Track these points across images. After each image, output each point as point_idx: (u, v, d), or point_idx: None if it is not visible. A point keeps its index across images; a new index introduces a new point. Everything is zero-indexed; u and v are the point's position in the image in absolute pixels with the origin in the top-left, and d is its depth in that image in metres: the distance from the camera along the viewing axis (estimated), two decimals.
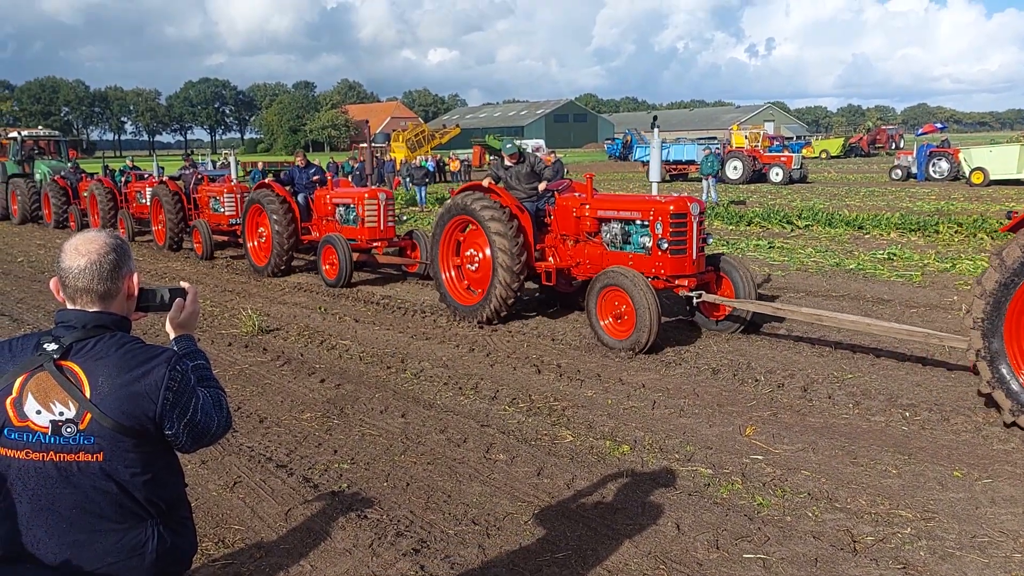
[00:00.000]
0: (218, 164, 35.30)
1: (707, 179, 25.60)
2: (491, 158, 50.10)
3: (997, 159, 28.92)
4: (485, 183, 9.91)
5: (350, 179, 27.67)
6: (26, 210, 24.99)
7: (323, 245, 12.85)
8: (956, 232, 16.05)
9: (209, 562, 4.29)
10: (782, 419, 6.23)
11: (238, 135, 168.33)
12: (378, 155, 35.08)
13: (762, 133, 52.06)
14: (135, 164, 25.92)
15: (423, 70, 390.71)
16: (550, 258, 9.84)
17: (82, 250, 2.18)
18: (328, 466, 5.53)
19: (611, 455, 5.59)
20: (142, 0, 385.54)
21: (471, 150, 54.19)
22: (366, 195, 13.01)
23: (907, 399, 6.55)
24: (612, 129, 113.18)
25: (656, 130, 11.02)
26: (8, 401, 2.10)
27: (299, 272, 14.35)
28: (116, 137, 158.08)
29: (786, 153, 38.91)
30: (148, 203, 18.85)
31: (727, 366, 7.64)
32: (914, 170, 33.73)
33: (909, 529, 4.42)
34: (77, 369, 2.10)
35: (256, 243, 14.35)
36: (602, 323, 8.44)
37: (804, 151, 50.33)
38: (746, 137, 49.25)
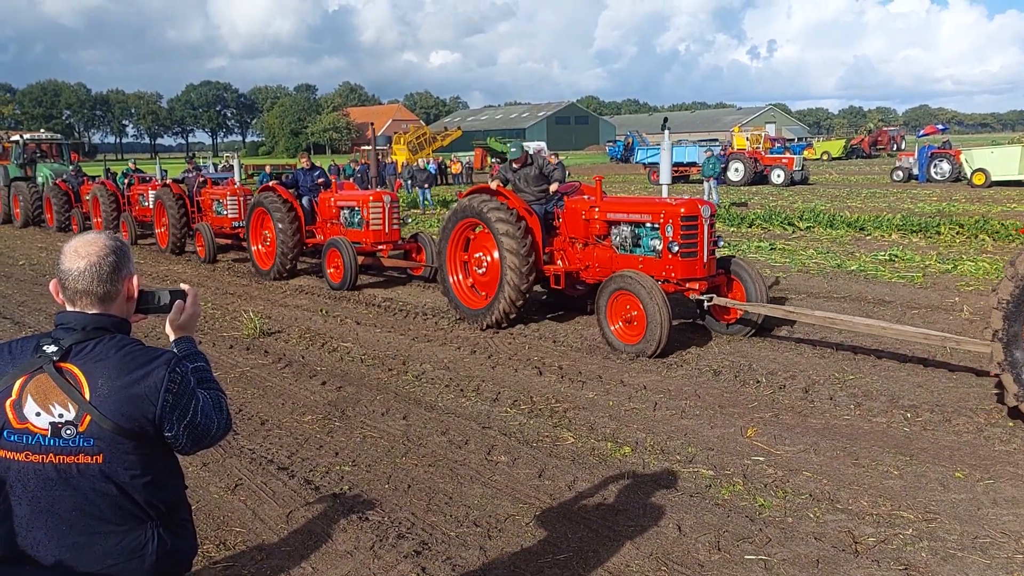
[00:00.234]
0: (219, 167, 35.37)
1: (708, 181, 25.59)
2: (492, 160, 50.17)
3: (998, 160, 28.90)
4: (493, 185, 9.85)
5: (352, 182, 27.66)
6: (28, 213, 25.00)
7: (328, 248, 12.81)
8: (958, 233, 16.05)
9: (210, 564, 4.29)
10: (783, 420, 6.22)
11: (239, 138, 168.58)
12: (379, 158, 35.08)
13: (763, 135, 52.07)
14: (137, 167, 25.94)
15: (424, 72, 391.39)
16: (558, 261, 9.77)
17: (82, 252, 2.18)
18: (329, 468, 5.53)
19: (612, 457, 5.59)
20: (143, 3, 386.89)
21: (473, 152, 54.23)
22: (371, 198, 12.97)
23: (908, 400, 6.55)
24: (614, 131, 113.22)
25: (667, 132, 10.97)
26: (8, 403, 2.10)
27: (301, 275, 14.34)
28: (117, 140, 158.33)
29: (787, 155, 38.92)
30: (151, 206, 18.86)
31: (728, 367, 7.63)
32: (915, 171, 33.72)
33: (911, 530, 4.41)
34: (77, 371, 2.10)
35: (260, 246, 14.32)
36: (612, 327, 8.37)
37: (805, 153, 50.37)
38: (747, 139, 49.26)
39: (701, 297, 8.46)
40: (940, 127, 45.84)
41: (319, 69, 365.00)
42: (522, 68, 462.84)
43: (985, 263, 12.77)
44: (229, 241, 16.47)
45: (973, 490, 4.89)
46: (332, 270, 12.73)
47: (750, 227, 18.96)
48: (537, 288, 10.00)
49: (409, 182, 34.29)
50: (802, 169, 34.86)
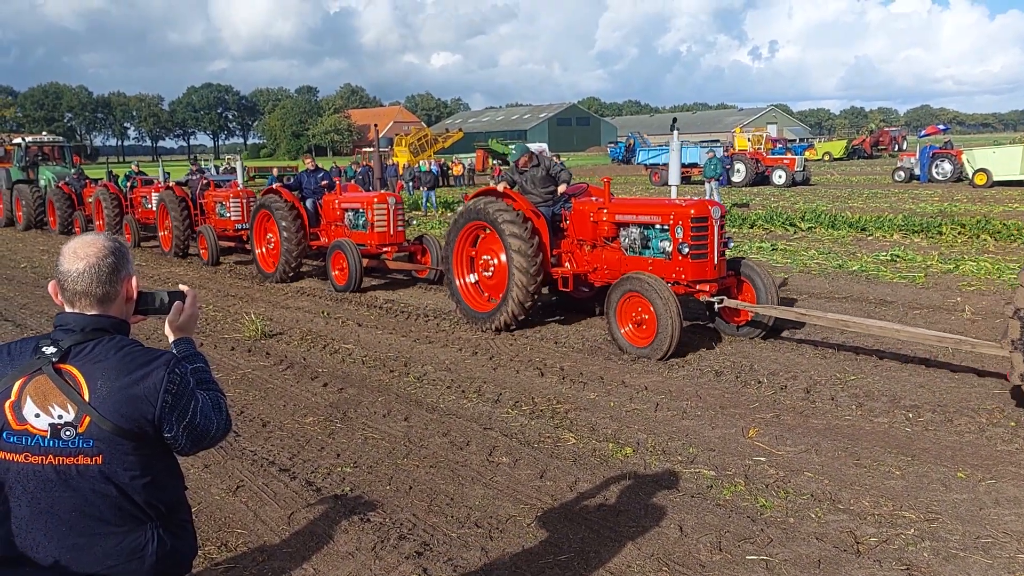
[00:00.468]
0: (221, 169, 35.39)
1: (710, 182, 25.58)
2: (493, 162, 50.18)
3: (1000, 160, 28.86)
4: (500, 187, 9.76)
5: (354, 184, 27.63)
6: (31, 216, 25.01)
7: (332, 250, 12.77)
8: (959, 233, 16.03)
9: (212, 566, 4.29)
10: (785, 421, 6.22)
11: (241, 140, 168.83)
12: (372, 160, 35.13)
13: (765, 136, 52.09)
14: (140, 169, 25.94)
15: (426, 74, 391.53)
16: (566, 263, 9.68)
17: (80, 253, 2.18)
18: (331, 470, 5.53)
19: (614, 457, 5.58)
20: (145, 6, 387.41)
21: (474, 154, 54.26)
22: (375, 200, 12.93)
23: (910, 400, 6.54)
24: (615, 132, 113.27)
25: (676, 132, 10.89)
26: (7, 404, 2.10)
27: (304, 277, 14.32)
28: (119, 143, 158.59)
29: (789, 155, 38.93)
30: (154, 208, 18.87)
31: (730, 368, 7.63)
32: (917, 172, 33.69)
33: (913, 530, 4.41)
34: (76, 372, 2.10)
35: (264, 249, 14.29)
36: (622, 330, 8.29)
37: (807, 153, 50.30)
38: (749, 140, 49.27)
39: (712, 299, 8.37)
40: (941, 127, 45.72)
41: (320, 71, 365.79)
42: (523, 70, 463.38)
43: (987, 263, 12.75)
44: (232, 244, 16.45)
45: (975, 490, 4.88)
46: (337, 272, 12.71)
47: (751, 228, 18.96)
48: (543, 290, 9.91)
49: (411, 184, 34.30)
50: (803, 170, 34.84)
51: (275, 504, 5.00)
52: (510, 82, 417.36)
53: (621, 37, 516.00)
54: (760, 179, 34.93)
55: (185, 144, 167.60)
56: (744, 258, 9.02)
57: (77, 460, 2.09)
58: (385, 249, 12.98)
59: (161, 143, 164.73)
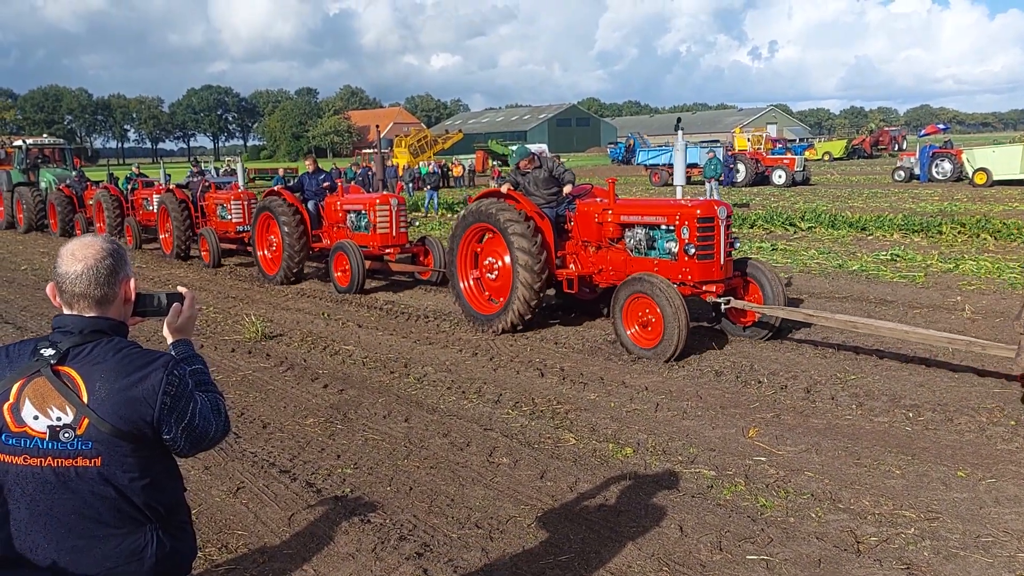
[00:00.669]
0: (221, 171, 35.37)
1: (710, 182, 25.59)
2: (493, 163, 50.18)
3: (1000, 159, 28.86)
4: (504, 189, 9.70)
5: (355, 185, 27.61)
6: (32, 219, 24.99)
7: (335, 252, 12.74)
8: (959, 233, 16.02)
9: (212, 567, 4.30)
10: (785, 421, 6.22)
11: (241, 142, 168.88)
12: (375, 161, 35.12)
13: (764, 136, 52.12)
14: (141, 171, 25.94)
15: (426, 75, 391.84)
16: (571, 265, 9.62)
17: (78, 255, 2.18)
18: (331, 471, 5.53)
19: (614, 458, 5.59)
20: (145, 8, 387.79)
21: (474, 155, 54.27)
22: (377, 201, 12.91)
23: (910, 400, 6.54)
24: (615, 133, 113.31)
25: (680, 132, 10.87)
26: (5, 407, 2.10)
27: (305, 279, 14.31)
28: (119, 145, 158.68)
29: (789, 155, 38.94)
30: (155, 210, 18.85)
31: (730, 368, 7.63)
32: (917, 171, 33.68)
33: (913, 529, 4.41)
34: (74, 374, 2.10)
35: (266, 251, 14.26)
36: (628, 332, 8.23)
37: (807, 153, 50.30)
38: (748, 140, 49.29)
39: (718, 300, 8.30)
40: (941, 127, 45.77)
41: (320, 73, 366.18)
42: (523, 70, 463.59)
43: (987, 262, 12.75)
44: (234, 246, 16.38)
45: (975, 489, 4.88)
46: (339, 274, 12.69)
47: (751, 228, 18.96)
48: (548, 292, 9.83)
49: (410, 185, 34.31)
50: (803, 170, 34.84)
51: (276, 505, 5.01)
52: (510, 83, 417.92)
53: (621, 37, 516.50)
54: (760, 179, 34.93)
55: (185, 146, 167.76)
56: (750, 258, 8.96)
57: (76, 462, 2.09)
58: (388, 251, 12.95)
59: (161, 145, 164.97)
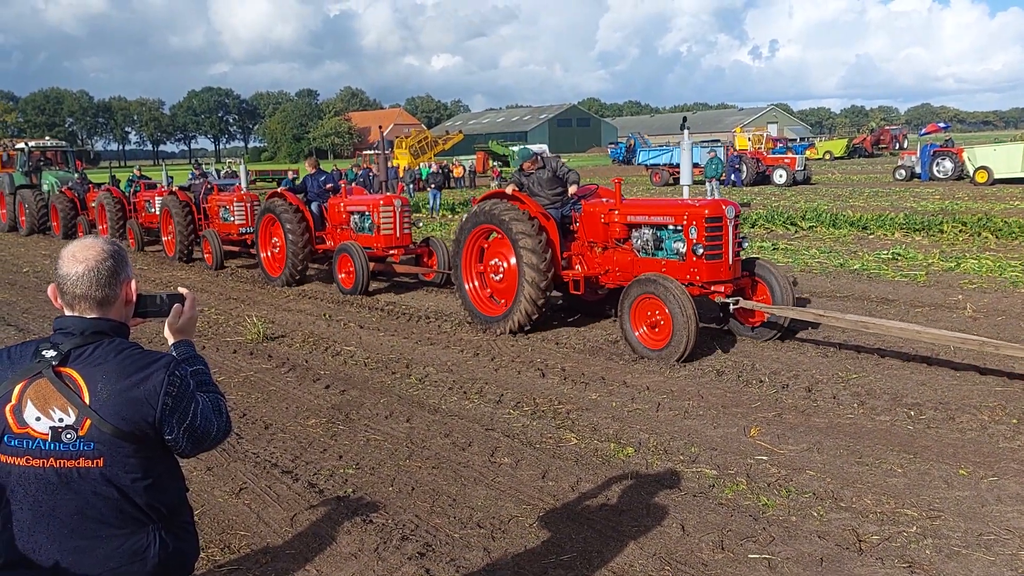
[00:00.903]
0: (222, 173, 35.42)
1: (711, 182, 25.59)
2: (493, 163, 50.19)
3: (1001, 158, 28.84)
4: (508, 190, 9.65)
5: (358, 186, 27.59)
6: (34, 221, 24.98)
7: (339, 254, 12.72)
8: (960, 231, 16.01)
9: (215, 568, 4.30)
10: (786, 420, 6.22)
11: (242, 144, 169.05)
12: (379, 162, 35.15)
13: (765, 135, 52.08)
14: (143, 173, 25.97)
15: (426, 76, 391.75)
16: (577, 266, 9.54)
17: (79, 257, 2.19)
18: (333, 471, 5.54)
19: (616, 457, 5.59)
20: (146, 10, 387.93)
21: (474, 156, 54.29)
22: (381, 202, 12.88)
23: (912, 398, 6.53)
24: (615, 133, 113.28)
25: (687, 131, 10.80)
26: (8, 408, 2.11)
27: (308, 280, 14.30)
28: (120, 147, 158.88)
29: (790, 155, 38.92)
30: (158, 212, 18.85)
31: (731, 368, 7.63)
32: (918, 170, 33.67)
33: (915, 528, 4.41)
34: (76, 375, 2.11)
35: (270, 253, 14.23)
36: (636, 333, 8.16)
37: (808, 152, 50.32)
38: (749, 139, 49.27)
39: (727, 300, 8.22)
40: (942, 125, 45.69)
41: (321, 74, 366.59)
42: (524, 71, 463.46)
43: (988, 261, 12.74)
44: (237, 248, 16.33)
45: (977, 487, 4.87)
46: (343, 275, 12.67)
47: (752, 227, 18.96)
48: (553, 293, 9.72)
49: (411, 186, 34.32)
50: (804, 169, 34.84)
51: (278, 506, 5.01)
52: (511, 83, 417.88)
53: (622, 38, 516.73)
54: (761, 178, 34.93)
55: (186, 148, 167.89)
56: (759, 258, 8.89)
57: (78, 463, 2.09)
58: (391, 252, 12.93)
59: (162, 147, 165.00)
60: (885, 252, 14.18)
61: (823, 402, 6.57)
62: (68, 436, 2.08)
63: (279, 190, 14.43)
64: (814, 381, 7.10)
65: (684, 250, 8.35)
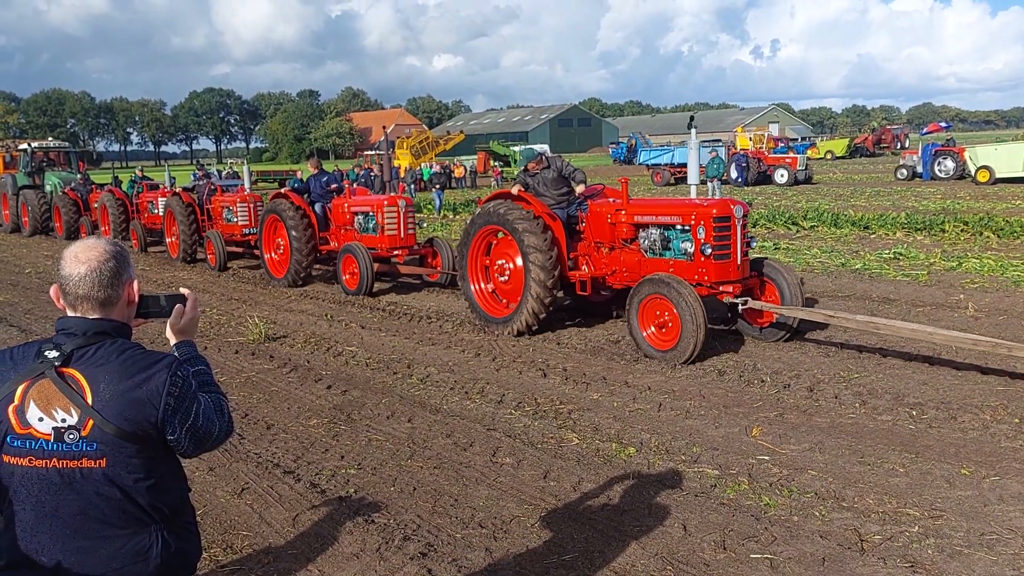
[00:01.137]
0: (224, 174, 35.43)
1: (712, 182, 25.59)
2: (494, 163, 50.18)
3: (1003, 157, 28.82)
4: (514, 190, 9.60)
5: (362, 187, 27.57)
6: (37, 222, 24.95)
7: (343, 254, 12.71)
8: (962, 231, 15.99)
9: (217, 568, 4.31)
10: (788, 419, 6.22)
11: (243, 144, 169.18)
12: (383, 162, 35.11)
13: (766, 135, 52.07)
14: (144, 174, 25.99)
15: (427, 77, 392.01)
16: (583, 266, 9.47)
17: (82, 257, 2.19)
18: (335, 471, 5.55)
19: (617, 457, 5.59)
20: (148, 11, 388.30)
21: (475, 156, 54.28)
22: (385, 203, 12.86)
23: (914, 398, 6.53)
24: (616, 133, 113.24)
25: (694, 131, 10.73)
26: (10, 409, 2.11)
27: (310, 281, 14.28)
28: (122, 148, 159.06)
29: (791, 154, 38.88)
30: (161, 213, 18.85)
31: (733, 367, 7.62)
32: (919, 169, 33.65)
33: (917, 527, 4.41)
34: (78, 376, 2.11)
35: (274, 254, 14.21)
36: (644, 333, 8.11)
37: (809, 152, 50.24)
38: (750, 139, 49.25)
39: (735, 300, 8.15)
40: (944, 125, 45.69)
41: (322, 74, 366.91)
42: (525, 71, 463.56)
43: (990, 260, 12.73)
44: (240, 249, 16.29)
45: (979, 487, 4.87)
46: (348, 276, 12.65)
47: (754, 227, 18.94)
48: (558, 294, 9.68)
49: (412, 186, 34.31)
50: (806, 168, 34.83)
51: (280, 506, 5.02)
52: (512, 83, 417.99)
53: (623, 37, 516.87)
54: (762, 178, 34.93)
55: (188, 149, 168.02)
56: (767, 258, 8.83)
57: (81, 463, 2.10)
58: (396, 252, 12.91)
59: (163, 148, 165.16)
60: (887, 252, 14.17)
61: (825, 402, 6.57)
62: (71, 436, 2.09)
63: (283, 191, 14.41)
64: (816, 381, 7.09)
65: (692, 250, 8.30)
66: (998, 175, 28.50)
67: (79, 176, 25.52)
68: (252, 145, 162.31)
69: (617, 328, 9.53)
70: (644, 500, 4.90)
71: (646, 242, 8.83)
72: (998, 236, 15.25)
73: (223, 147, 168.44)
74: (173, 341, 2.41)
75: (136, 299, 2.30)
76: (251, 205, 15.92)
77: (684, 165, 36.62)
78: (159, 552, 2.19)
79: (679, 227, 8.50)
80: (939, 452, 5.43)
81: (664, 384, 7.25)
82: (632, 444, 5.81)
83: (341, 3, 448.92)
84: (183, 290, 2.44)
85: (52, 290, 2.25)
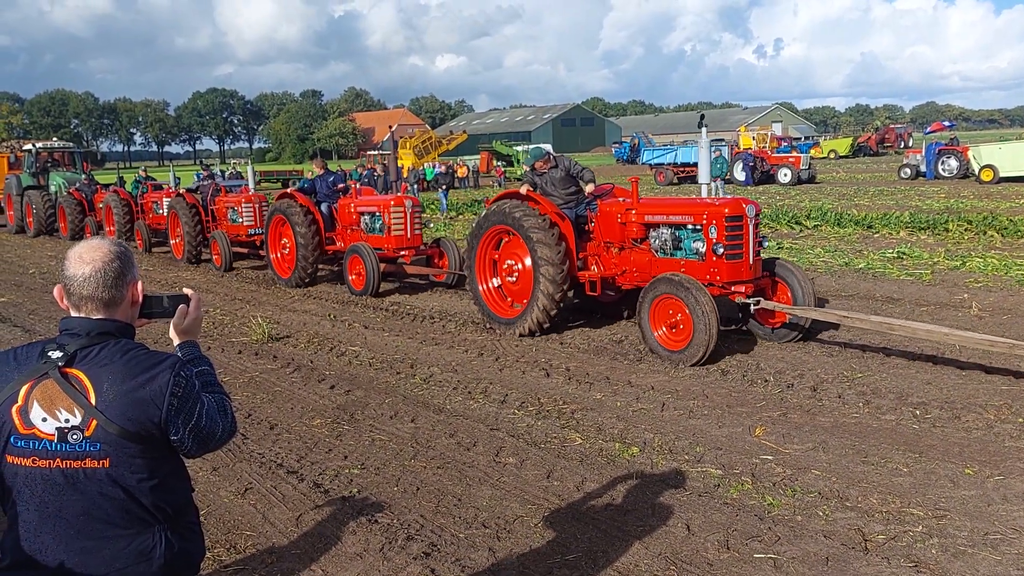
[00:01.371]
0: (227, 174, 35.48)
1: (715, 181, 25.56)
2: (497, 163, 50.19)
3: (1006, 156, 28.74)
4: (523, 190, 9.54)
5: (368, 187, 27.57)
6: (41, 222, 24.94)
7: (349, 254, 12.68)
8: (966, 230, 15.96)
9: (221, 568, 4.32)
10: (792, 419, 6.21)
11: (246, 144, 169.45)
12: (385, 162, 35.16)
13: (770, 134, 52.01)
14: (148, 174, 26.01)
15: (430, 76, 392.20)
16: (593, 266, 9.40)
17: (86, 258, 2.19)
18: (338, 471, 5.55)
19: (621, 457, 5.59)
20: (151, 11, 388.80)
21: (478, 156, 54.28)
22: (392, 203, 12.82)
23: (917, 397, 6.52)
24: (619, 132, 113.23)
25: (704, 129, 10.67)
26: (14, 409, 2.12)
27: (316, 281, 14.28)
28: (126, 148, 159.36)
29: (794, 154, 38.85)
30: (165, 214, 18.85)
31: (736, 367, 7.62)
32: (923, 168, 33.60)
33: (920, 527, 4.40)
34: (82, 376, 2.11)
35: (279, 254, 14.18)
36: (655, 333, 8.04)
37: (812, 151, 50.21)
38: (753, 138, 49.19)
39: (747, 300, 8.07)
40: (947, 124, 45.72)
41: (325, 75, 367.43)
42: (528, 71, 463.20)
43: (994, 259, 12.71)
44: (246, 250, 16.25)
45: (983, 486, 4.86)
46: (354, 277, 12.63)
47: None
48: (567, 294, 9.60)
49: (415, 186, 34.31)
50: (809, 168, 34.77)
51: (283, 506, 5.03)
52: (515, 83, 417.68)
53: (626, 37, 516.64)
54: (765, 178, 34.88)
55: (191, 149, 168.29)
56: (779, 258, 8.76)
57: (84, 463, 2.10)
58: (402, 253, 12.89)
59: (167, 148, 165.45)
60: (890, 251, 14.14)
61: (828, 401, 6.56)
62: (74, 437, 2.09)
63: (289, 190, 14.39)
64: (819, 380, 7.09)
65: (704, 250, 8.23)
66: (1002, 174, 28.43)
67: (83, 176, 25.55)
68: (255, 145, 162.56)
69: (620, 328, 9.53)
70: (647, 500, 4.90)
71: (657, 242, 8.73)
72: (1002, 235, 15.22)
73: (226, 147, 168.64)
74: (176, 341, 2.41)
75: (140, 299, 2.31)
76: (256, 205, 15.89)
77: (687, 165, 36.74)
78: (163, 552, 2.20)
79: (691, 226, 8.42)
80: (943, 452, 5.43)
81: (667, 384, 7.25)
82: (635, 444, 5.81)
83: (344, 3, 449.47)
84: (186, 290, 2.45)
85: (56, 290, 2.25)
